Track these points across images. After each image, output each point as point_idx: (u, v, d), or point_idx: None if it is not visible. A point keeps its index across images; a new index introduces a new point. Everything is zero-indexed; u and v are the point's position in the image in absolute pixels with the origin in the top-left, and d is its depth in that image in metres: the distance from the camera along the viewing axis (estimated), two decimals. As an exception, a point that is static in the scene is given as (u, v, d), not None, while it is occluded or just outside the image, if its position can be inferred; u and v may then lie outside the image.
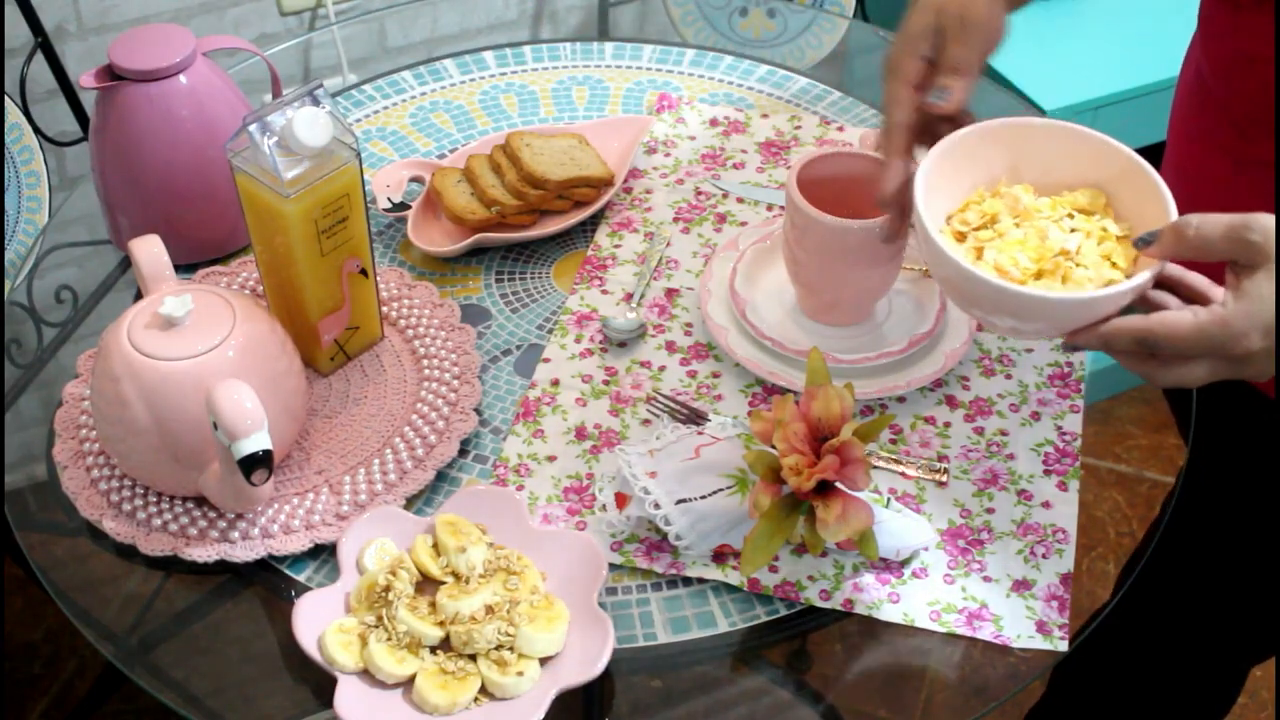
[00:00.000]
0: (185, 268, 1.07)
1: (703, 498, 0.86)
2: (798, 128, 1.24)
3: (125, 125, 1.04)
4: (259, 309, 0.90)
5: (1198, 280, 0.74)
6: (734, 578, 0.86)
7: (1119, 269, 0.76)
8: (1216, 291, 0.72)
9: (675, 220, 1.14)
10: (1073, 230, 0.77)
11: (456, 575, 0.83)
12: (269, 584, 0.88)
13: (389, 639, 0.79)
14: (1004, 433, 0.96)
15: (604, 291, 1.07)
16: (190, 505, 0.90)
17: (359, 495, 0.90)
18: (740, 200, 1.16)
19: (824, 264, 0.95)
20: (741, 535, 0.85)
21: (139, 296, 0.92)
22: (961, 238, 0.80)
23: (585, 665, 0.78)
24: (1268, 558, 1.05)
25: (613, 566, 0.87)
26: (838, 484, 0.81)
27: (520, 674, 0.78)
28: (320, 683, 0.79)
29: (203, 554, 0.87)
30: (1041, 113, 1.43)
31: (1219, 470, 1.07)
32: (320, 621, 0.80)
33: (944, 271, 0.77)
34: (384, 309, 1.03)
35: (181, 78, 1.03)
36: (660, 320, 1.05)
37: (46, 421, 0.97)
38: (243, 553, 0.87)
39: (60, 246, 1.18)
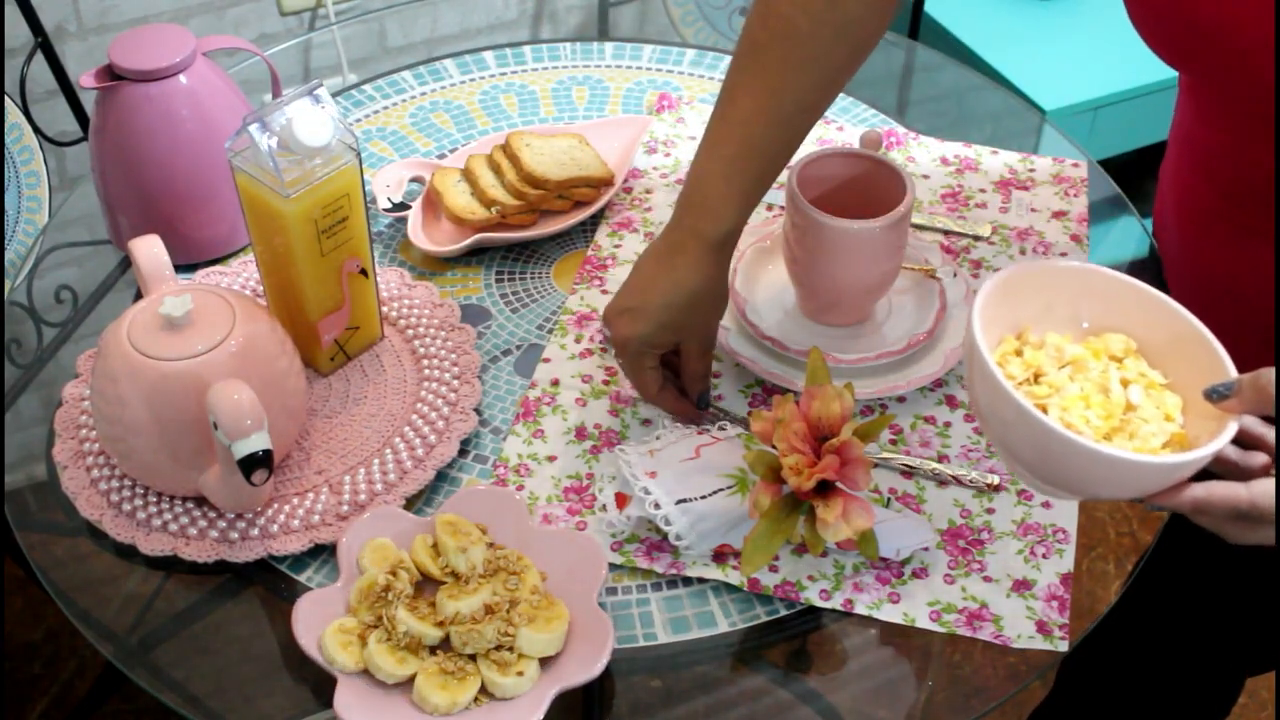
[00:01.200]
0: (185, 268, 1.07)
1: (703, 497, 0.86)
2: (798, 128, 1.24)
3: (125, 125, 1.04)
4: (259, 309, 0.90)
5: (1269, 436, 0.69)
6: (734, 578, 0.86)
7: (1172, 420, 0.71)
8: None
9: (675, 220, 1.14)
10: (1125, 382, 0.72)
11: (456, 575, 0.82)
12: (269, 584, 0.88)
13: (389, 639, 0.79)
14: (1004, 433, 0.96)
15: (604, 291, 1.07)
16: (190, 505, 0.90)
17: (359, 495, 0.90)
18: (740, 200, 1.16)
19: (824, 264, 0.95)
20: (742, 535, 0.85)
21: (139, 296, 0.92)
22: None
23: (585, 665, 0.78)
24: (1267, 570, 1.06)
25: (613, 566, 0.87)
26: (838, 484, 0.81)
27: (520, 674, 0.78)
28: (320, 683, 0.79)
29: (202, 554, 0.87)
30: (1041, 113, 1.43)
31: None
32: (320, 622, 0.80)
33: (1022, 435, 0.68)
34: (384, 309, 1.03)
35: (181, 78, 1.03)
36: (660, 320, 1.05)
37: (46, 421, 0.97)
38: (242, 553, 0.87)
39: (60, 246, 1.18)
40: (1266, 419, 0.68)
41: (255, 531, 0.88)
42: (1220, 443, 0.66)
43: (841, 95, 1.29)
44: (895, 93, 1.38)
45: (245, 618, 0.88)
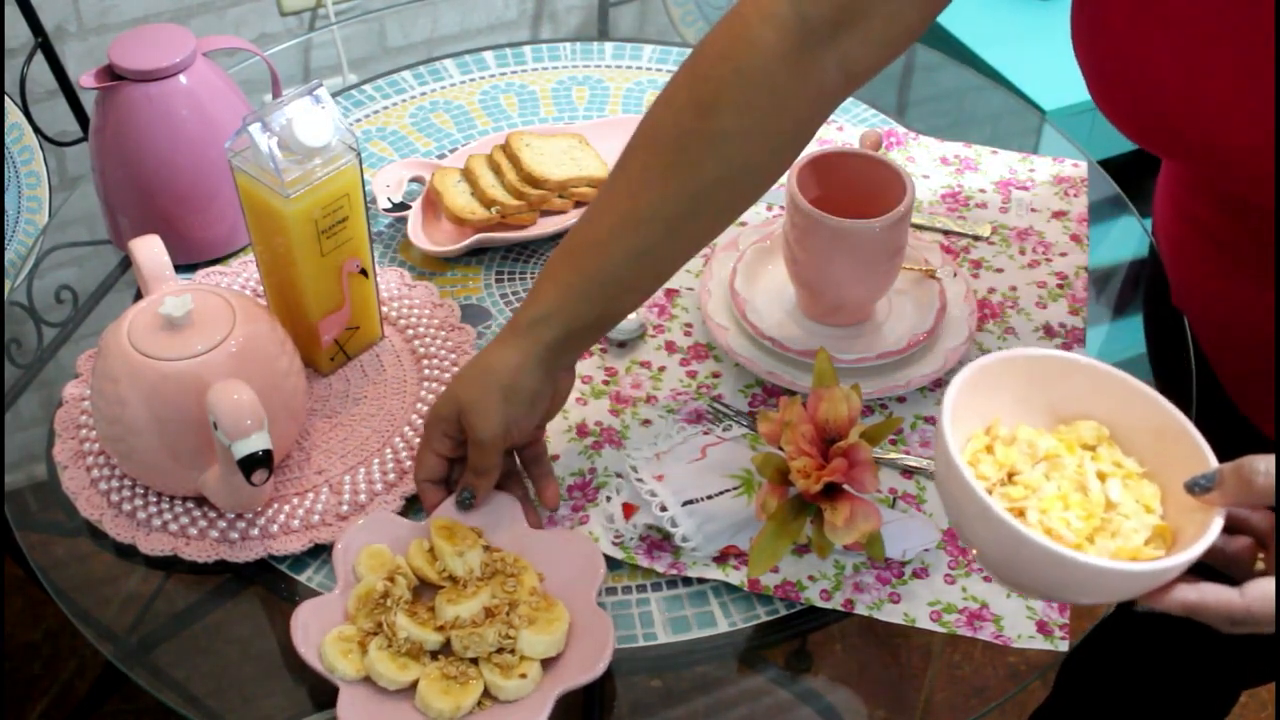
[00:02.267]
0: (185, 268, 1.07)
1: (709, 498, 0.86)
2: (798, 128, 1.24)
3: (125, 125, 1.04)
4: (259, 309, 0.90)
5: (1251, 519, 0.65)
6: (734, 578, 0.86)
7: (1152, 511, 0.67)
8: (1267, 530, 0.63)
9: (675, 220, 1.14)
10: (1101, 475, 0.68)
11: (454, 579, 0.82)
12: (269, 584, 0.88)
13: (389, 646, 0.79)
14: (1004, 433, 0.96)
15: (604, 291, 1.07)
16: (190, 505, 0.90)
17: (359, 495, 0.90)
18: (740, 200, 1.16)
19: (824, 264, 0.95)
20: (748, 537, 0.85)
21: (139, 296, 0.92)
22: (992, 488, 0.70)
23: (587, 665, 0.78)
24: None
25: (613, 565, 0.87)
26: (845, 486, 0.80)
27: (523, 676, 0.78)
28: (320, 683, 0.79)
29: (202, 554, 0.87)
30: (1041, 113, 1.43)
31: None
32: (319, 630, 0.80)
33: (995, 541, 0.65)
34: (384, 309, 1.03)
35: (181, 78, 1.03)
36: (660, 320, 1.05)
37: (46, 421, 0.97)
38: (242, 553, 0.87)
39: (60, 246, 1.18)
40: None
41: (255, 531, 0.88)
42: (1206, 541, 0.63)
43: (841, 95, 1.29)
44: (895, 93, 1.38)
45: (245, 618, 0.88)
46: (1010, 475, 0.70)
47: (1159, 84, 0.78)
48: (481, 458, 0.84)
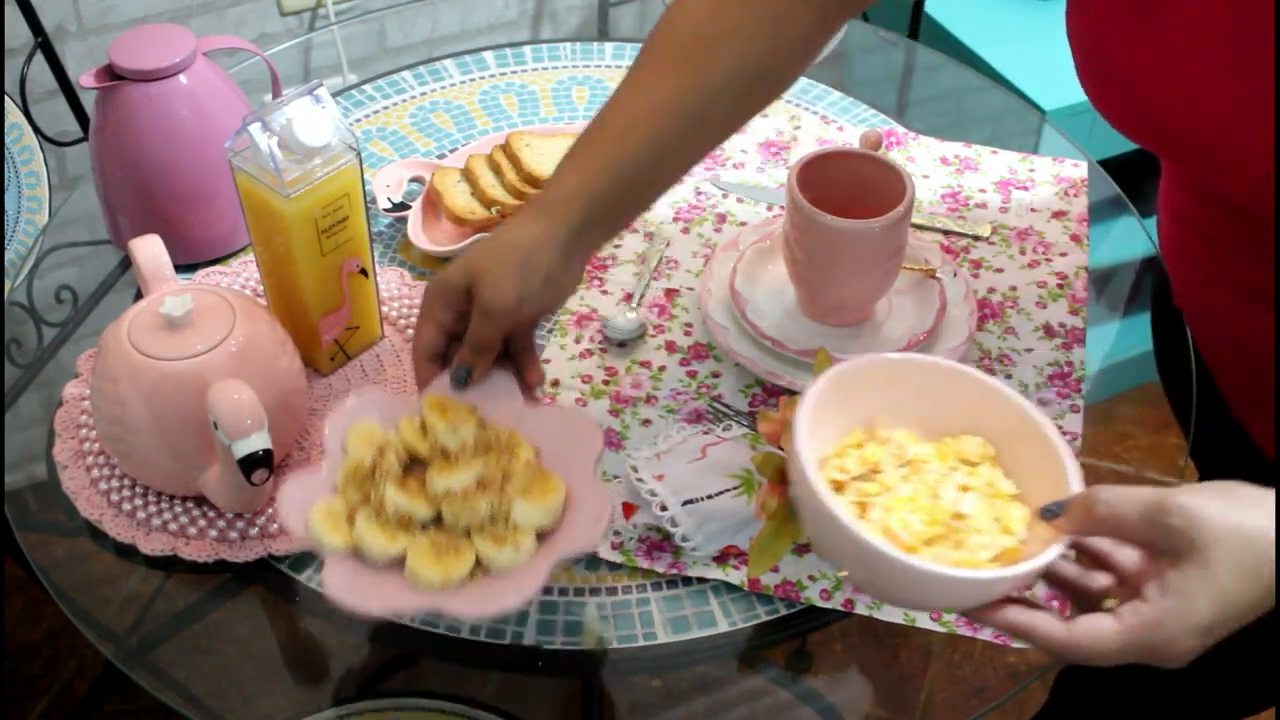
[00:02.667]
0: (185, 268, 1.07)
1: (709, 497, 0.86)
2: (797, 128, 1.24)
3: (125, 125, 1.04)
4: (259, 309, 0.90)
5: (1115, 556, 0.65)
6: (734, 577, 0.86)
7: (1012, 534, 0.67)
8: (1133, 572, 0.63)
9: (675, 220, 1.14)
10: (964, 488, 0.69)
11: (446, 454, 0.79)
12: (269, 584, 0.88)
13: (378, 517, 0.75)
14: (1004, 433, 0.95)
15: (604, 292, 1.07)
16: (190, 505, 0.90)
17: (359, 495, 0.90)
18: (740, 200, 1.16)
19: (824, 264, 0.95)
20: (748, 536, 0.85)
21: (139, 296, 0.92)
22: (840, 486, 0.69)
23: (583, 536, 0.75)
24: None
25: (613, 566, 0.87)
26: (843, 485, 0.80)
27: (516, 547, 0.74)
28: (320, 683, 0.79)
29: (202, 554, 0.87)
30: (1041, 113, 1.43)
31: None
32: (305, 505, 0.76)
33: (825, 531, 0.65)
34: (384, 309, 1.03)
35: (181, 78, 1.03)
36: (660, 320, 1.05)
37: (46, 421, 0.97)
38: (242, 553, 0.87)
39: (60, 246, 1.18)
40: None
41: (255, 531, 0.88)
42: (1036, 564, 0.63)
43: (841, 95, 1.29)
44: (895, 93, 1.38)
45: (245, 618, 0.88)
46: (874, 472, 0.70)
47: (1145, 79, 0.78)
48: (485, 329, 0.80)
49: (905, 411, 0.71)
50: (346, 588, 0.72)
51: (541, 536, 0.76)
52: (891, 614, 0.84)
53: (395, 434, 0.80)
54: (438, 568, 0.73)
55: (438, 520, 0.76)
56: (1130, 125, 0.83)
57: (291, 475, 0.78)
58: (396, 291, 1.05)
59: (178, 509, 0.89)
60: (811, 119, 1.25)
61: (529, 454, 0.79)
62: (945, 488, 0.68)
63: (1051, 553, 0.63)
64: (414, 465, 0.79)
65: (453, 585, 0.73)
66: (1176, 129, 0.79)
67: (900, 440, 0.71)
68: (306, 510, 0.75)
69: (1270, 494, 0.62)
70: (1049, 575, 0.66)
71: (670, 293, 1.07)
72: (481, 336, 0.80)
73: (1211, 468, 1.06)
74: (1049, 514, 0.65)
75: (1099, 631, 0.62)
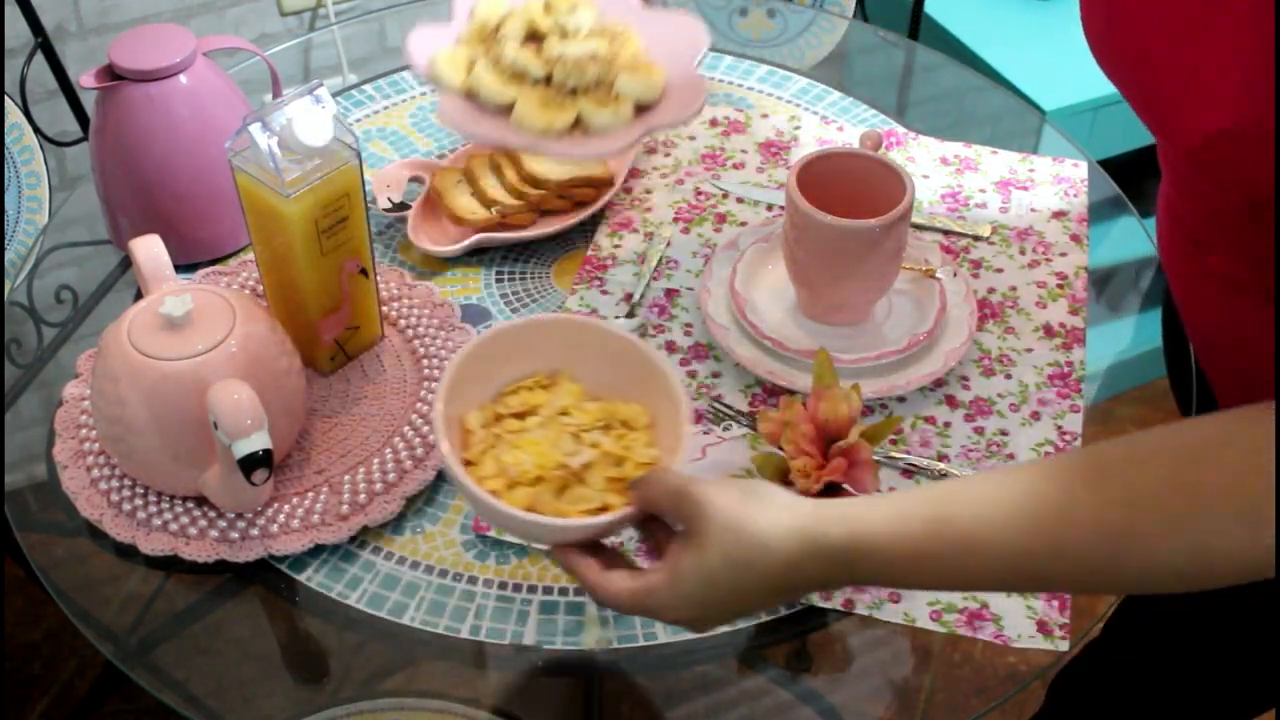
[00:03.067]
0: (185, 268, 1.07)
1: (704, 498, 0.86)
2: (797, 128, 1.24)
3: (125, 125, 1.04)
4: (259, 309, 0.90)
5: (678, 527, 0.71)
6: (734, 578, 0.86)
7: (622, 496, 0.73)
8: (667, 543, 0.71)
9: (675, 220, 1.14)
10: (595, 446, 0.76)
11: (564, 31, 0.84)
12: (269, 584, 0.88)
13: (495, 66, 0.81)
14: (1004, 433, 0.96)
15: (604, 292, 1.07)
16: (190, 505, 0.90)
17: (359, 495, 0.90)
18: (740, 200, 1.16)
19: (824, 264, 0.95)
20: (741, 535, 0.85)
21: (139, 296, 0.92)
22: (499, 418, 0.78)
23: (678, 112, 0.81)
24: (1258, 616, 1.05)
25: (613, 566, 0.87)
26: (845, 486, 0.80)
27: (616, 111, 0.80)
28: (320, 683, 0.79)
29: (202, 554, 0.87)
30: (1041, 113, 1.43)
31: None
32: (431, 49, 0.82)
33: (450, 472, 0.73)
34: (384, 309, 1.03)
35: (181, 78, 1.03)
36: (660, 320, 1.05)
37: (46, 421, 0.97)
38: (242, 553, 0.87)
39: (60, 246, 1.18)
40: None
41: (255, 531, 0.88)
42: (576, 524, 0.71)
43: (841, 95, 1.29)
44: (895, 93, 1.38)
45: (245, 618, 0.88)
46: (529, 413, 0.78)
47: (1146, 41, 0.79)
48: None
49: (591, 370, 0.79)
50: (457, 116, 0.79)
51: (640, 111, 0.82)
52: (891, 614, 0.84)
53: (522, 6, 0.86)
54: (542, 115, 0.79)
55: (548, 81, 0.82)
56: (1122, 78, 0.84)
57: (420, 25, 0.85)
58: (396, 291, 1.05)
59: (178, 509, 0.89)
60: (811, 119, 1.25)
61: (637, 46, 0.85)
62: (567, 442, 0.75)
63: (606, 518, 0.71)
64: (533, 39, 0.85)
65: (553, 134, 0.80)
66: (1164, 89, 0.80)
67: (566, 391, 0.78)
68: (431, 53, 0.82)
69: (792, 500, 0.68)
70: (645, 530, 0.73)
71: (670, 293, 1.07)
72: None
73: None
74: (631, 487, 0.73)
75: (616, 584, 0.70)
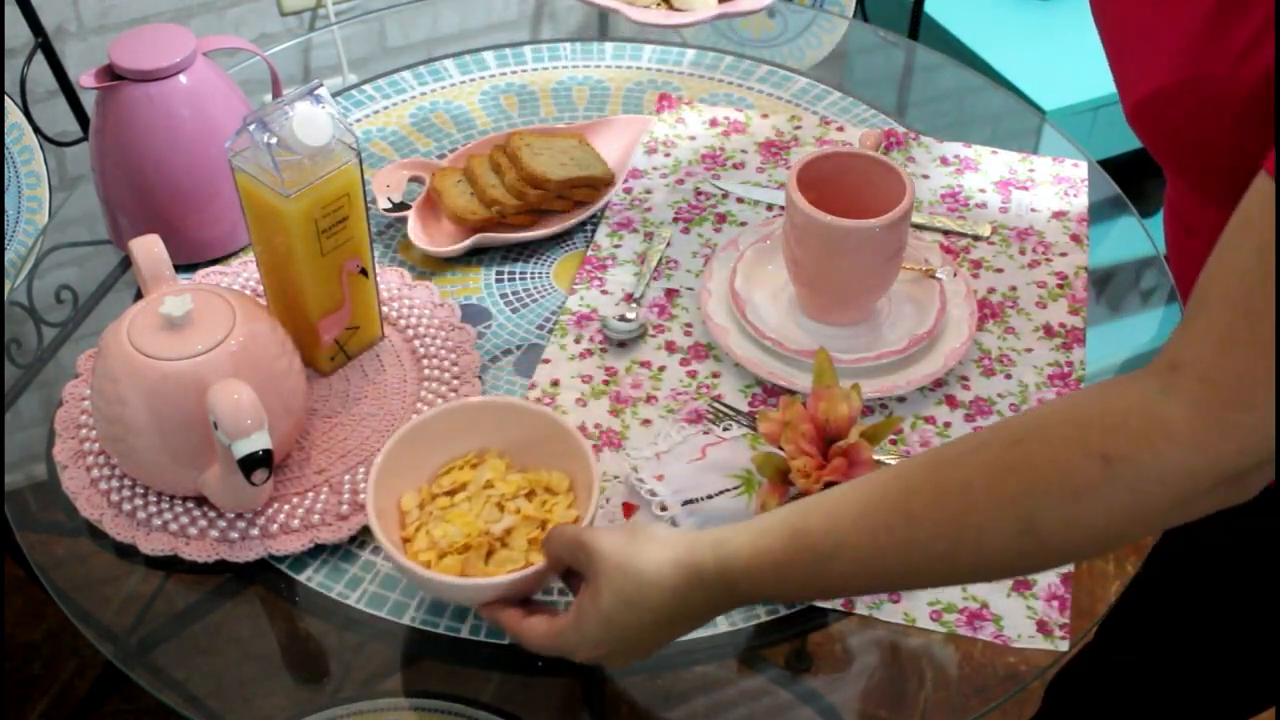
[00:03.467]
0: (185, 268, 1.07)
1: (709, 497, 0.86)
2: (798, 128, 1.24)
3: (125, 125, 1.04)
4: (259, 309, 0.90)
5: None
6: (734, 578, 0.86)
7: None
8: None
9: (675, 220, 1.14)
10: (518, 512, 0.82)
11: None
12: (269, 584, 0.88)
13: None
14: (1004, 433, 0.95)
15: (604, 291, 1.07)
16: (190, 505, 0.90)
17: (359, 495, 0.90)
18: (740, 200, 1.16)
19: (824, 264, 0.95)
20: (742, 535, 0.85)
21: (139, 296, 0.92)
22: (433, 497, 0.84)
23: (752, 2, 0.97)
24: (1260, 615, 1.05)
25: (613, 566, 0.87)
26: (843, 485, 0.80)
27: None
28: (320, 683, 0.79)
29: (203, 554, 0.87)
30: (1041, 113, 1.42)
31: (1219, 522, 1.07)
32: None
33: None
34: (384, 309, 1.03)
35: (181, 78, 1.03)
36: (660, 320, 1.05)
37: (46, 421, 0.97)
38: (243, 553, 0.87)
39: (60, 246, 1.18)
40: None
41: (255, 531, 0.88)
42: (490, 582, 0.77)
43: (841, 95, 1.29)
44: (895, 93, 1.38)
45: (245, 618, 0.88)
46: (459, 489, 0.84)
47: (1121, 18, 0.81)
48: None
49: (515, 444, 0.86)
50: None
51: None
52: (891, 614, 0.84)
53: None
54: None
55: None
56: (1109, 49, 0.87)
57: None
58: (396, 291, 1.05)
59: (178, 509, 0.89)
60: (811, 119, 1.25)
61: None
62: (490, 511, 0.82)
63: (514, 575, 0.76)
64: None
65: (651, 2, 0.93)
66: (1116, 59, 0.82)
67: (492, 466, 0.85)
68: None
69: (670, 535, 0.72)
70: (566, 581, 0.79)
71: (670, 293, 1.07)
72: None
73: None
74: (542, 544, 0.78)
75: (535, 629, 0.75)
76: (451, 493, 0.84)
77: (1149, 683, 1.20)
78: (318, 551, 0.89)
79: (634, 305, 1.05)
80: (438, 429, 0.85)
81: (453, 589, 0.79)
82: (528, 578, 0.77)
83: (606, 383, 0.99)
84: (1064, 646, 0.83)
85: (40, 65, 1.52)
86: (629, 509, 0.87)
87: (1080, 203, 1.16)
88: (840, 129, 1.24)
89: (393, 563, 0.79)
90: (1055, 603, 0.85)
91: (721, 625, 0.84)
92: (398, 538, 0.82)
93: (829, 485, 0.80)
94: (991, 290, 1.07)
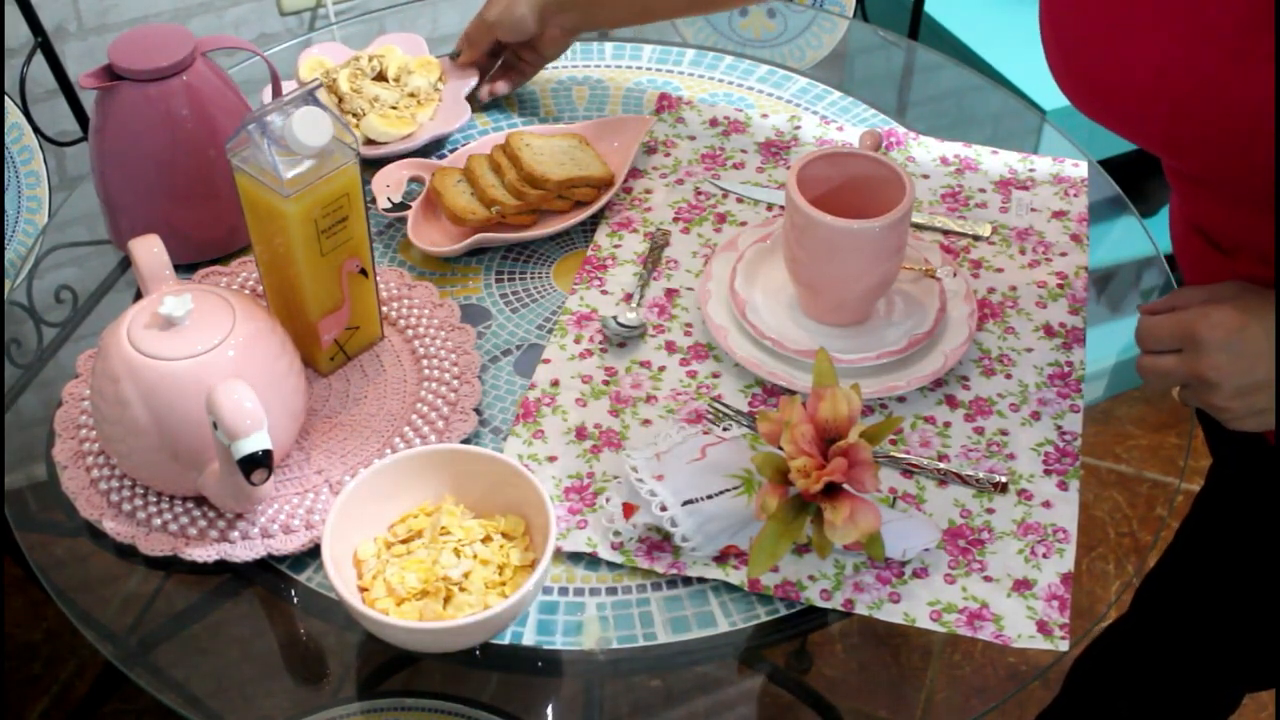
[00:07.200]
0: (185, 268, 1.07)
1: (709, 497, 0.86)
2: (797, 128, 1.24)
3: (125, 125, 1.04)
4: (259, 309, 0.90)
5: None
6: (734, 577, 0.86)
7: (505, 597, 0.81)
8: None
9: (675, 220, 1.14)
10: (475, 557, 0.83)
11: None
12: (269, 584, 0.88)
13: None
14: (1004, 433, 0.96)
15: (604, 291, 1.07)
16: (190, 505, 0.90)
17: (359, 495, 0.90)
18: (740, 200, 1.16)
19: (824, 264, 0.95)
20: (748, 536, 0.85)
21: (139, 296, 0.92)
22: (390, 545, 0.85)
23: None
24: (1270, 593, 1.05)
25: (613, 566, 0.87)
26: (845, 486, 0.80)
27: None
28: (320, 683, 0.79)
29: (203, 554, 0.87)
30: (1041, 113, 1.42)
31: (1228, 502, 1.07)
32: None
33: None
34: (384, 309, 1.03)
35: (182, 77, 1.03)
36: (660, 320, 1.05)
37: (46, 421, 0.97)
38: (243, 553, 0.87)
39: (60, 246, 1.18)
40: None
41: (255, 531, 0.88)
42: (461, 622, 0.78)
43: (841, 95, 1.29)
44: (895, 93, 1.38)
45: (245, 618, 0.88)
46: (416, 536, 0.85)
47: (1084, 38, 0.83)
48: (473, 28, 1.25)
49: (471, 491, 0.87)
50: None
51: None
52: (891, 614, 0.84)
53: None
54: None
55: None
56: (1068, 80, 0.90)
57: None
58: (396, 291, 1.06)
59: (178, 509, 0.89)
60: (811, 119, 1.25)
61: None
62: (446, 556, 0.83)
63: (478, 617, 0.77)
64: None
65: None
66: (1100, 74, 0.85)
67: (448, 512, 0.86)
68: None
69: None
70: None
71: (670, 293, 1.07)
72: (468, 33, 1.25)
73: (1222, 453, 1.07)
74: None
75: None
76: (407, 540, 0.85)
77: (1182, 655, 1.20)
78: (318, 551, 0.88)
79: (634, 305, 1.05)
80: (393, 477, 0.86)
81: (410, 634, 0.79)
82: (489, 620, 0.78)
83: (606, 383, 0.99)
84: (1064, 646, 0.83)
85: (40, 65, 1.52)
86: (629, 509, 0.87)
87: (1080, 203, 1.16)
88: (840, 129, 1.24)
89: (351, 611, 0.79)
90: (1055, 603, 0.85)
91: (721, 625, 0.84)
92: (354, 587, 0.82)
93: (828, 485, 0.80)
94: (991, 290, 1.07)
